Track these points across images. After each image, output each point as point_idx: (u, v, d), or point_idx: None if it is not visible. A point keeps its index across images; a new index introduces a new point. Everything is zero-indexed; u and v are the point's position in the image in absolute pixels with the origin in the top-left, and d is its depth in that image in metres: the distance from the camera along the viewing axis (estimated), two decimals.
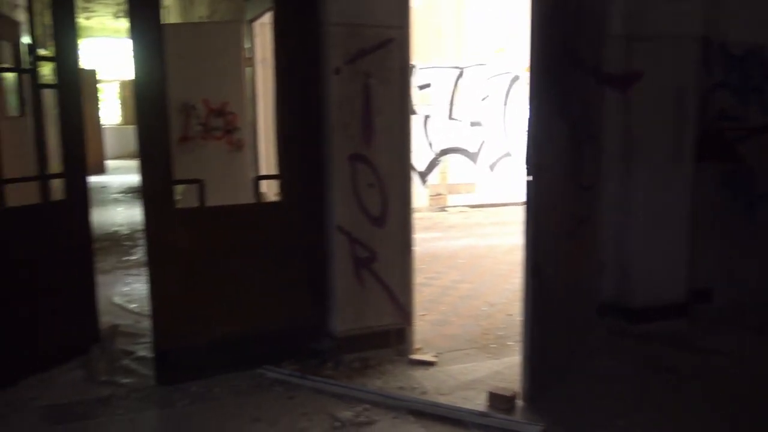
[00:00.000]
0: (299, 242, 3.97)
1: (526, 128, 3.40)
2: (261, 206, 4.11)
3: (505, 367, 4.11)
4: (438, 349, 4.35)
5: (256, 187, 3.96)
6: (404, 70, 3.95)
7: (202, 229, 3.70)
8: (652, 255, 4.60)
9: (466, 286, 5.89)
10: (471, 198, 10.17)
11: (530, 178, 3.44)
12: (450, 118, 10.04)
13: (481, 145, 10.30)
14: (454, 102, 10.01)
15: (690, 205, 4.69)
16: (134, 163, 16.75)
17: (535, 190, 3.44)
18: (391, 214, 4.04)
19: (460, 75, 9.94)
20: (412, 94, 4.05)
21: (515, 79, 10.28)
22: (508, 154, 10.43)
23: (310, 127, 3.89)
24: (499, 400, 3.55)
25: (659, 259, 4.64)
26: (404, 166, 4.03)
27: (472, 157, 10.26)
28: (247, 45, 6.40)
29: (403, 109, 3.97)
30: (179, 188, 3.87)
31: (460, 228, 8.74)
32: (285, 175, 3.89)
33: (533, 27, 3.31)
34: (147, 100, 3.43)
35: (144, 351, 4.16)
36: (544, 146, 3.47)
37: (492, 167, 10.42)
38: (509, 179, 10.41)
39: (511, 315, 5.06)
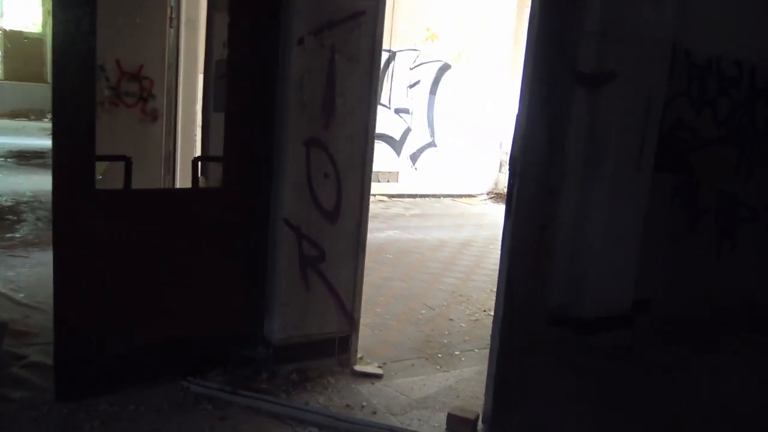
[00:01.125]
0: (240, 236, 3.44)
1: (514, 128, 3.05)
2: (198, 192, 3.52)
3: (457, 381, 3.78)
4: (381, 358, 3.96)
5: (195, 169, 3.37)
6: (374, 51, 3.49)
7: (125, 215, 3.09)
8: (606, 265, 4.42)
9: (399, 284, 5.52)
10: (391, 187, 9.82)
11: (513, 182, 3.08)
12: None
13: (406, 133, 9.95)
14: (382, 87, 9.60)
15: (644, 216, 4.55)
16: (18, 123, 15.13)
17: (517, 197, 3.08)
18: (346, 209, 3.59)
19: (392, 58, 9.52)
20: (379, 79, 3.60)
21: (445, 67, 10.00)
22: (432, 145, 10.15)
23: (263, 104, 3.36)
24: (461, 424, 3.22)
25: (613, 270, 4.47)
26: (365, 157, 3.58)
27: (396, 145, 9.90)
28: (173, 2, 5.66)
29: (369, 94, 3.52)
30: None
31: (382, 219, 8.36)
32: (230, 157, 3.34)
33: (531, 22, 2.97)
34: (68, 56, 2.77)
35: (39, 355, 3.47)
36: (530, 149, 3.13)
37: (414, 157, 10.11)
38: (432, 170, 10.15)
39: (453, 320, 4.75)
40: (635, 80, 4.21)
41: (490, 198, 10.60)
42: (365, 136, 3.55)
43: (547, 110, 3.44)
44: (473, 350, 4.22)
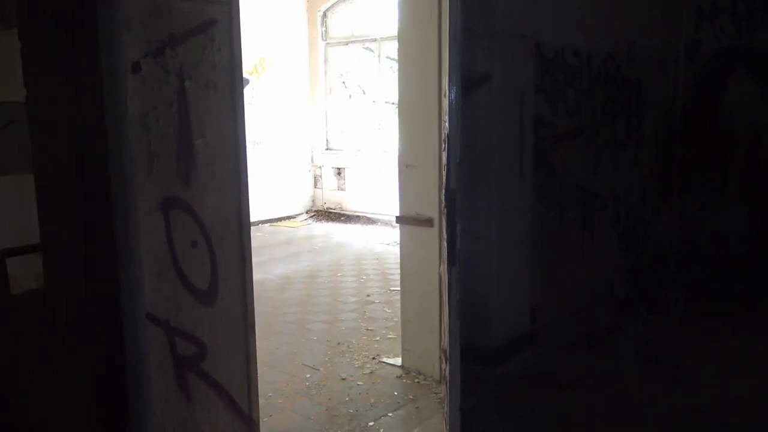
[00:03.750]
0: (81, 355, 2.39)
1: (447, 151, 2.43)
2: (8, 304, 2.37)
3: None
4: None
5: (2, 270, 2.25)
6: (234, 71, 2.65)
7: None
8: (504, 285, 4.02)
9: (264, 345, 4.62)
10: None
11: (454, 220, 2.47)
12: None
13: None
14: None
15: (531, 226, 4.23)
16: None
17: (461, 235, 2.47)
18: (225, 283, 2.71)
19: None
20: (244, 104, 2.75)
21: (243, 82, 9.09)
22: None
23: (92, 161, 2.35)
24: None
25: (511, 288, 4.08)
26: (241, 212, 2.73)
27: None
28: None
29: (236, 127, 2.67)
30: None
31: None
32: (52, 245, 2.28)
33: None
34: None
35: None
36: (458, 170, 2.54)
37: None
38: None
39: (345, 379, 4.03)
40: (509, 79, 3.84)
41: (311, 216, 9.94)
42: (238, 183, 2.70)
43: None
44: (387, 415, 3.55)
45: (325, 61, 10.18)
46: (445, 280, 2.91)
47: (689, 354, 4.32)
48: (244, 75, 9.05)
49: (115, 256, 2.46)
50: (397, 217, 4.01)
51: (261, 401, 3.67)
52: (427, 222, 3.82)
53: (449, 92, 2.61)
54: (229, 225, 2.68)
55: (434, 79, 3.73)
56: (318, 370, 4.17)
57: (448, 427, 2.72)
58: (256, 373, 2.88)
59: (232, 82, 2.63)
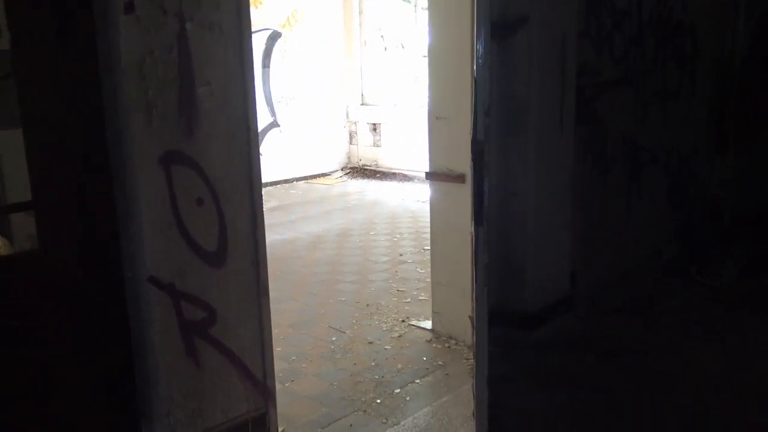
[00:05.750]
0: (79, 320, 2.25)
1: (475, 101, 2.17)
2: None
3: None
4: (309, 425, 2.99)
5: None
6: (240, 10, 2.41)
7: None
8: (544, 246, 3.75)
9: (291, 306, 4.51)
10: None
11: (483, 176, 2.22)
12: None
13: None
14: None
15: (572, 182, 3.93)
16: None
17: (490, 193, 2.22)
18: (235, 243, 2.52)
19: None
20: (252, 48, 2.52)
21: (275, 35, 8.84)
22: (274, 125, 9.01)
23: (86, 113, 2.17)
24: None
25: (551, 250, 3.81)
26: (251, 166, 2.52)
27: None
28: None
29: (243, 74, 2.44)
30: None
31: None
32: (44, 202, 2.12)
33: None
34: None
35: None
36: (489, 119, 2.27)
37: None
38: (279, 153, 9.03)
39: (372, 343, 3.86)
40: (548, 22, 3.50)
41: (346, 174, 9.73)
42: (247, 135, 2.48)
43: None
44: (414, 382, 3.37)
45: (360, 12, 9.82)
46: None
47: (742, 319, 4.00)
48: (276, 28, 8.90)
49: (117, 213, 2.29)
50: (426, 173, 3.76)
51: (284, 365, 3.56)
52: (459, 178, 3.56)
53: (477, 34, 2.32)
54: (238, 182, 2.48)
55: (467, 23, 3.43)
56: (344, 332, 4.00)
57: (474, 399, 2.52)
58: (271, 339, 2.71)
59: (239, 24, 2.40)
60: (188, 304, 2.42)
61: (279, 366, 3.54)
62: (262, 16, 8.60)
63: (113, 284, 2.32)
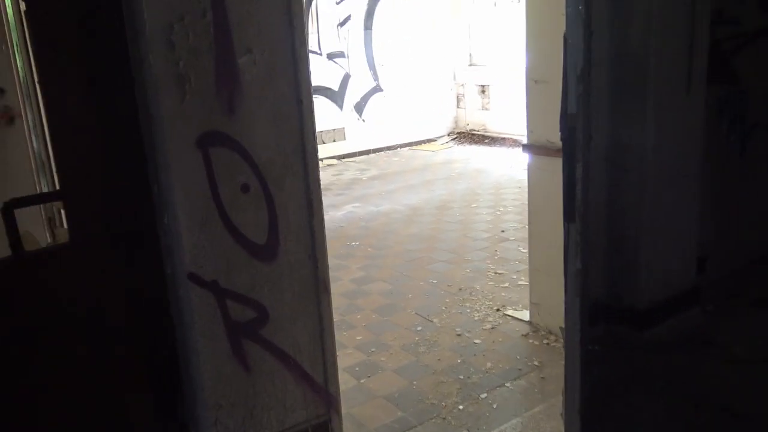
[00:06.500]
0: (114, 318, 2.04)
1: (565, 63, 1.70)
2: (25, 261, 2.05)
3: None
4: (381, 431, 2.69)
5: (10, 222, 1.91)
6: None
7: None
8: (663, 230, 3.18)
9: (378, 287, 4.21)
10: (339, 147, 8.38)
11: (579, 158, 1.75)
12: None
13: (345, 80, 8.45)
14: (307, 28, 8.03)
15: (702, 152, 3.31)
16: None
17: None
18: (288, 234, 2.22)
19: None
20: (303, 7, 2.17)
21: None
22: (377, 89, 8.68)
23: (113, 90, 1.92)
24: None
25: (672, 234, 3.24)
26: (305, 145, 2.19)
27: (335, 97, 8.41)
28: None
29: (292, 39, 2.11)
30: None
31: (336, 189, 6.97)
32: (72, 192, 1.91)
33: None
34: None
35: None
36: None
37: (359, 107, 8.65)
38: (382, 119, 8.72)
39: (461, 335, 3.48)
40: None
41: (453, 139, 9.26)
42: (299, 111, 2.15)
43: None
44: (504, 385, 2.97)
45: None
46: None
47: None
48: None
49: (154, 202, 2.05)
50: (523, 145, 3.29)
51: (362, 358, 3.28)
52: (560, 151, 3.06)
53: None
54: (289, 163, 2.16)
55: None
56: (431, 321, 3.65)
57: (563, 415, 2.09)
58: (333, 340, 2.40)
59: None
60: (235, 303, 2.16)
61: (357, 359, 3.28)
62: None
63: (156, 282, 2.09)
